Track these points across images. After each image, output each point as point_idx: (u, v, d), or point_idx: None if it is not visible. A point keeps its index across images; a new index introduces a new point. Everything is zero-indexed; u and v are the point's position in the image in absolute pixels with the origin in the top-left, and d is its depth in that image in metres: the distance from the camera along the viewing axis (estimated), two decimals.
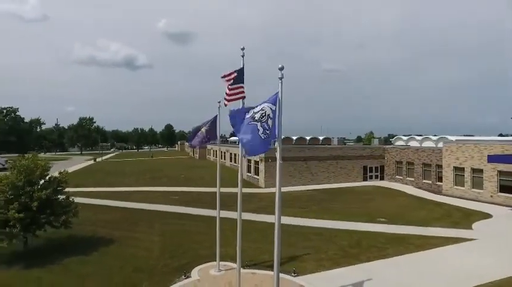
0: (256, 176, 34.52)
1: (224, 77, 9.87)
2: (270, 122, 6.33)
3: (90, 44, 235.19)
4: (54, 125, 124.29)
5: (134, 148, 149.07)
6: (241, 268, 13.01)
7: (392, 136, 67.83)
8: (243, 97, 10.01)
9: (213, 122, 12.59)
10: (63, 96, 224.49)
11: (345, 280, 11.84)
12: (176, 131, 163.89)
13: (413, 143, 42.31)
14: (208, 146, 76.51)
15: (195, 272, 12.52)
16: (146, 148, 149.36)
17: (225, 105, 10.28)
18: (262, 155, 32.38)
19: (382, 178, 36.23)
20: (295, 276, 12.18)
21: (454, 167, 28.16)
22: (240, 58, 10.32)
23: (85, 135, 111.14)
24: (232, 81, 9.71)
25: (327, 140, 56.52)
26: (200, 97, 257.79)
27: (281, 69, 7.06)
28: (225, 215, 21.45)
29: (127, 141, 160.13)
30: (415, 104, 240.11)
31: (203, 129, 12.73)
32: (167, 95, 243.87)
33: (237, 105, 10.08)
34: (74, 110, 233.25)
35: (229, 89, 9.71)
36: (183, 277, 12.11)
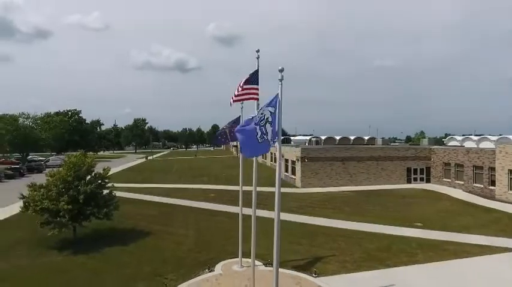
0: (293, 176, 34.57)
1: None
2: (268, 125, 6.57)
3: (145, 50, 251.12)
4: (112, 125, 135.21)
5: (183, 147, 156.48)
6: (263, 266, 13.47)
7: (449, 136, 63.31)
8: (257, 99, 10.24)
9: (235, 123, 13.10)
10: (121, 99, 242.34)
11: (366, 284, 11.64)
12: None
13: (469, 144, 39.14)
14: None
15: (218, 267, 13.12)
16: (194, 147, 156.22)
17: (230, 104, 10.61)
18: (299, 154, 32.37)
19: (428, 181, 34.12)
20: (315, 277, 12.24)
21: (509, 170, 25.67)
22: (254, 60, 10.49)
23: (139, 134, 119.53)
24: (245, 81, 9.96)
25: (372, 141, 54.48)
26: None
27: (281, 71, 7.28)
28: (258, 213, 22.01)
29: (177, 141, 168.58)
30: (475, 100, 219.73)
31: (226, 130, 13.34)
32: (215, 96, 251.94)
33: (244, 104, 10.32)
34: (130, 112, 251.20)
35: (242, 89, 9.97)
36: (206, 270, 12.79)
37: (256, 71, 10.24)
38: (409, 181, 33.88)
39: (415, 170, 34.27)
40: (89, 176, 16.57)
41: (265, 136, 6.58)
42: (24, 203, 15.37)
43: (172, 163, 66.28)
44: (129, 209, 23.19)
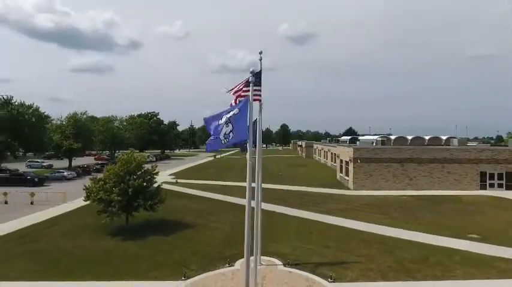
0: (346, 177, 33.27)
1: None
2: (229, 126, 6.87)
3: (221, 54, 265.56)
4: (189, 126, 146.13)
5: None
6: (282, 266, 13.60)
7: None
8: (259, 100, 10.43)
9: (253, 124, 13.46)
10: (200, 101, 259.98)
11: None
12: (292, 131, 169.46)
13: None
14: (314, 146, 76.45)
15: (238, 263, 13.67)
16: (263, 147, 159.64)
17: (231, 105, 10.55)
18: (351, 155, 31.04)
19: (509, 187, 29.47)
20: (331, 281, 11.96)
21: None
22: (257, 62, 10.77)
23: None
24: (246, 82, 9.98)
25: (449, 141, 48.87)
26: (316, 97, 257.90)
27: (252, 72, 7.54)
28: (296, 213, 21.99)
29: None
30: None
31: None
32: (285, 96, 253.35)
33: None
34: (208, 113, 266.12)
35: (243, 91, 9.97)
36: (227, 265, 13.48)
37: (259, 72, 10.37)
38: (483, 187, 29.76)
39: (492, 175, 29.90)
40: (139, 172, 18.68)
41: (224, 136, 6.86)
42: (86, 193, 18.09)
43: (235, 162, 69.06)
44: (183, 203, 25.32)
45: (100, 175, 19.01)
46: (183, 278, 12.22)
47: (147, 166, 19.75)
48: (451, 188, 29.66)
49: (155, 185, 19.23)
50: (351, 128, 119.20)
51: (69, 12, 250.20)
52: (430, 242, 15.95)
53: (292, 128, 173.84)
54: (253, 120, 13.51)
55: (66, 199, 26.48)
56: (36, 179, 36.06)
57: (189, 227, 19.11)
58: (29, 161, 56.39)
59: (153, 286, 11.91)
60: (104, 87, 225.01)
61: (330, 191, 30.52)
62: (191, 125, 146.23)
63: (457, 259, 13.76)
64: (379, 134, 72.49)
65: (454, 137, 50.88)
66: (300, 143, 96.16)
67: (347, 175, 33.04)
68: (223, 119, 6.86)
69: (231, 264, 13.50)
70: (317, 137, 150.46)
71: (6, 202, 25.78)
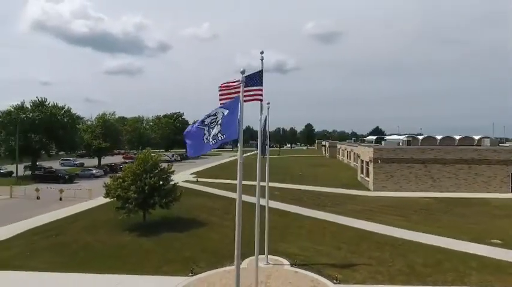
0: (367, 178, 32.49)
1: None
2: (216, 128, 6.96)
3: (246, 54, 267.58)
4: None
5: (276, 146, 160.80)
6: (289, 266, 13.61)
7: None
8: (261, 99, 10.41)
9: (264, 124, 13.51)
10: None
11: None
12: (316, 130, 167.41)
13: None
14: (338, 146, 75.16)
15: (246, 261, 13.83)
16: (288, 146, 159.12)
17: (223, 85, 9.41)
18: (371, 155, 30.30)
19: None
20: (336, 283, 11.85)
21: None
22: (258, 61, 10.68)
23: None
24: (247, 83, 9.80)
25: (481, 141, 46.38)
26: (343, 95, 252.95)
27: (242, 72, 7.64)
28: (310, 214, 21.82)
29: (272, 140, 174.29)
30: None
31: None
32: (311, 95, 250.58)
33: (245, 105, 10.49)
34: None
35: (244, 91, 9.75)
36: (233, 263, 13.67)
37: (261, 72, 10.27)
38: None
39: None
40: (155, 171, 19.32)
41: (209, 138, 6.93)
42: (105, 190, 18.97)
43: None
44: (200, 202, 25.85)
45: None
46: (190, 274, 12.57)
47: (164, 165, 20.37)
48: (479, 190, 28.18)
49: (171, 183, 19.80)
50: (377, 127, 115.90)
51: (102, 18, 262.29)
52: (447, 246, 15.32)
53: (318, 127, 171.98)
54: (263, 120, 13.70)
55: (92, 195, 27.83)
56: (66, 177, 38.16)
57: (203, 225, 19.51)
58: (63, 160, 59.68)
59: (161, 280, 12.31)
60: (134, 89, 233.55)
61: (348, 191, 29.97)
62: None
63: (473, 265, 13.15)
64: (408, 134, 70.07)
65: (487, 137, 48.24)
66: (323, 142, 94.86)
67: (367, 175, 32.28)
68: (209, 120, 6.95)
69: None
70: (343, 136, 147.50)
71: (38, 198, 27.51)
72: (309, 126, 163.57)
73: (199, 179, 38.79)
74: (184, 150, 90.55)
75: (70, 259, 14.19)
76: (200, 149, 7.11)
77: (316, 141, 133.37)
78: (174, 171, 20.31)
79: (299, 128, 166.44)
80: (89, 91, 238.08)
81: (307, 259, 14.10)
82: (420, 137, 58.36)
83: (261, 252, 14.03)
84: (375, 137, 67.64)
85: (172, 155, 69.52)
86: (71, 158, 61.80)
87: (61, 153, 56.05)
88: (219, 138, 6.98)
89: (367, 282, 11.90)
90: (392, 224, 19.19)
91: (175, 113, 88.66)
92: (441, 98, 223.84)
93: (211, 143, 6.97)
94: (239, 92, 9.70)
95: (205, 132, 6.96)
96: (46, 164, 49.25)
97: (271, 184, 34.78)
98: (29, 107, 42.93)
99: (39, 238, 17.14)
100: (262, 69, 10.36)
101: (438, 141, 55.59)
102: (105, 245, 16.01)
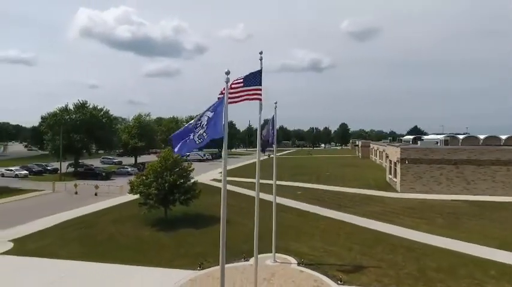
0: (394, 179, 31.30)
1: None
2: (201, 131, 7.32)
3: (282, 53, 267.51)
4: (247, 126, 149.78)
5: (309, 146, 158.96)
6: (296, 265, 13.70)
7: None
8: (260, 99, 10.57)
9: (270, 124, 13.73)
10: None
11: None
12: (353, 130, 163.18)
13: None
14: (371, 145, 72.87)
15: (253, 259, 14.12)
16: (322, 146, 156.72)
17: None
18: (399, 155, 29.16)
19: None
20: (340, 284, 11.78)
21: None
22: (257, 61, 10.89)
23: None
24: (246, 82, 9.90)
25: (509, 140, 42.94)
26: (381, 94, 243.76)
27: (227, 73, 7.98)
28: (328, 214, 21.58)
29: (305, 140, 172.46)
30: None
31: (263, 134, 13.92)
32: (346, 94, 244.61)
33: (245, 104, 10.77)
34: (267, 112, 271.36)
35: (244, 90, 9.89)
36: (242, 259, 14.04)
37: (260, 71, 10.41)
38: None
39: None
40: (176, 169, 20.20)
41: (194, 136, 7.32)
42: (130, 187, 20.17)
43: (286, 161, 69.08)
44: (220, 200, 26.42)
45: None
46: (198, 268, 13.11)
47: (185, 164, 21.22)
48: None
49: (191, 181, 20.58)
50: (416, 126, 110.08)
51: (144, 23, 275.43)
52: (466, 251, 14.53)
53: (355, 127, 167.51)
54: (270, 120, 13.89)
55: (123, 191, 29.59)
56: (103, 174, 40.86)
57: (219, 222, 19.93)
58: (103, 158, 63.69)
59: (171, 272, 12.96)
60: (172, 90, 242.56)
61: (373, 192, 29.12)
62: (249, 125, 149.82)
63: (492, 273, 12.39)
64: (450, 134, 66.07)
65: None
66: (357, 142, 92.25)
67: (395, 176, 31.10)
68: (195, 122, 7.36)
69: (246, 259, 14.01)
70: (381, 136, 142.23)
71: (76, 193, 29.81)
72: (343, 126, 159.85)
73: (228, 178, 39.53)
74: (216, 149, 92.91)
75: (92, 250, 15.36)
76: (184, 147, 7.52)
77: (351, 141, 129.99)
78: (193, 169, 21.06)
79: (334, 127, 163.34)
80: (132, 93, 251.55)
81: (315, 258, 14.10)
82: (461, 137, 54.96)
83: (268, 251, 14.29)
84: (412, 137, 64.64)
85: (204, 155, 71.40)
86: (111, 157, 65.72)
87: (101, 152, 59.89)
88: (204, 137, 7.36)
89: (372, 285, 11.69)
90: (412, 227, 18.48)
91: None
92: (489, 96, 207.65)
93: (196, 142, 7.35)
94: (242, 91, 10.07)
95: (192, 133, 7.38)
96: (88, 162, 52.93)
97: (296, 184, 34.96)
98: (72, 109, 46.44)
99: (71, 230, 18.67)
100: (261, 69, 10.56)
101: (481, 141, 52.13)
102: (126, 238, 17.10)
